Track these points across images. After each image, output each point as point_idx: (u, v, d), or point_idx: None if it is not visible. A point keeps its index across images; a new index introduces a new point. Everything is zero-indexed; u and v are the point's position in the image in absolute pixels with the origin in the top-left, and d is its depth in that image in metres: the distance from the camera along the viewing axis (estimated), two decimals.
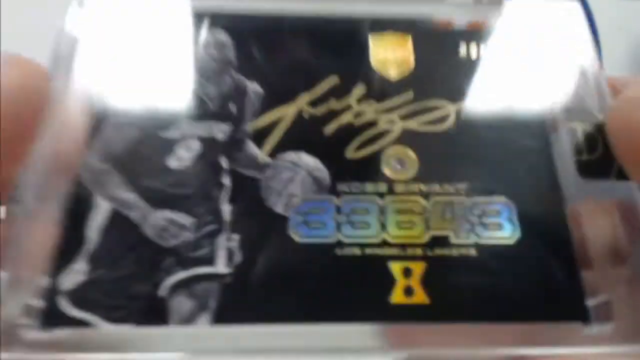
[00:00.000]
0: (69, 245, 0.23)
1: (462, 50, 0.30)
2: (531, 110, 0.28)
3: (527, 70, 0.30)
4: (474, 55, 0.30)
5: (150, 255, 0.24)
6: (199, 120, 0.28)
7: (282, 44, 0.30)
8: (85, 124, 0.27)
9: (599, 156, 0.26)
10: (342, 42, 0.30)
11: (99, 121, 0.27)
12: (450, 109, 0.28)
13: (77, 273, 0.23)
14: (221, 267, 0.24)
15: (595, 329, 0.23)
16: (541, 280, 0.24)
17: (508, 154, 0.27)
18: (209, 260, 0.24)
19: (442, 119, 0.28)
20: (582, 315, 0.23)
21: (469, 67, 0.30)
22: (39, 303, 0.22)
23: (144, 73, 0.29)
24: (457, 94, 0.29)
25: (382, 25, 0.31)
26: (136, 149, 0.27)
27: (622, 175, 0.25)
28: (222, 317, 0.22)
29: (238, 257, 0.24)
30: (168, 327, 0.22)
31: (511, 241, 0.25)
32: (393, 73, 0.30)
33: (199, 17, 0.30)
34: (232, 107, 0.28)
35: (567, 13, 0.31)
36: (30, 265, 0.23)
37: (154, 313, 0.23)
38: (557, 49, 0.30)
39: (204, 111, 0.28)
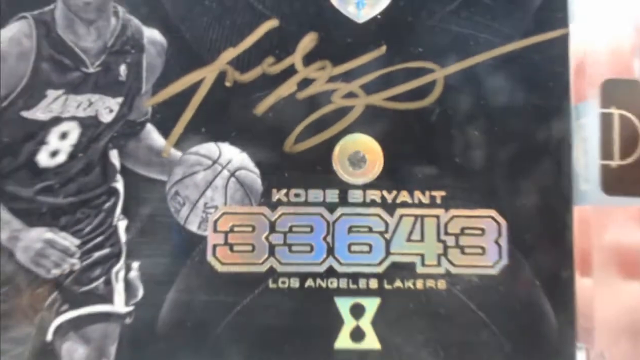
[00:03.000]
0: None
1: None
2: (550, 81, 0.20)
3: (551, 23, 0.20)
4: None
5: (28, 287, 0.19)
6: (74, 91, 0.19)
7: None
8: None
9: (634, 162, 0.19)
10: None
11: None
12: (438, 74, 0.20)
13: None
14: (119, 304, 0.19)
15: None
16: (526, 325, 0.19)
17: (510, 147, 0.20)
18: (104, 296, 0.19)
19: (424, 90, 0.20)
20: None
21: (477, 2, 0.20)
22: None
23: None
24: (451, 51, 0.20)
25: None
26: None
27: None
28: None
29: (140, 292, 0.19)
30: None
31: (494, 271, 0.20)
32: (360, 11, 0.20)
33: None
34: (122, 70, 0.19)
35: None
36: None
37: None
38: None
39: (80, 76, 0.19)
